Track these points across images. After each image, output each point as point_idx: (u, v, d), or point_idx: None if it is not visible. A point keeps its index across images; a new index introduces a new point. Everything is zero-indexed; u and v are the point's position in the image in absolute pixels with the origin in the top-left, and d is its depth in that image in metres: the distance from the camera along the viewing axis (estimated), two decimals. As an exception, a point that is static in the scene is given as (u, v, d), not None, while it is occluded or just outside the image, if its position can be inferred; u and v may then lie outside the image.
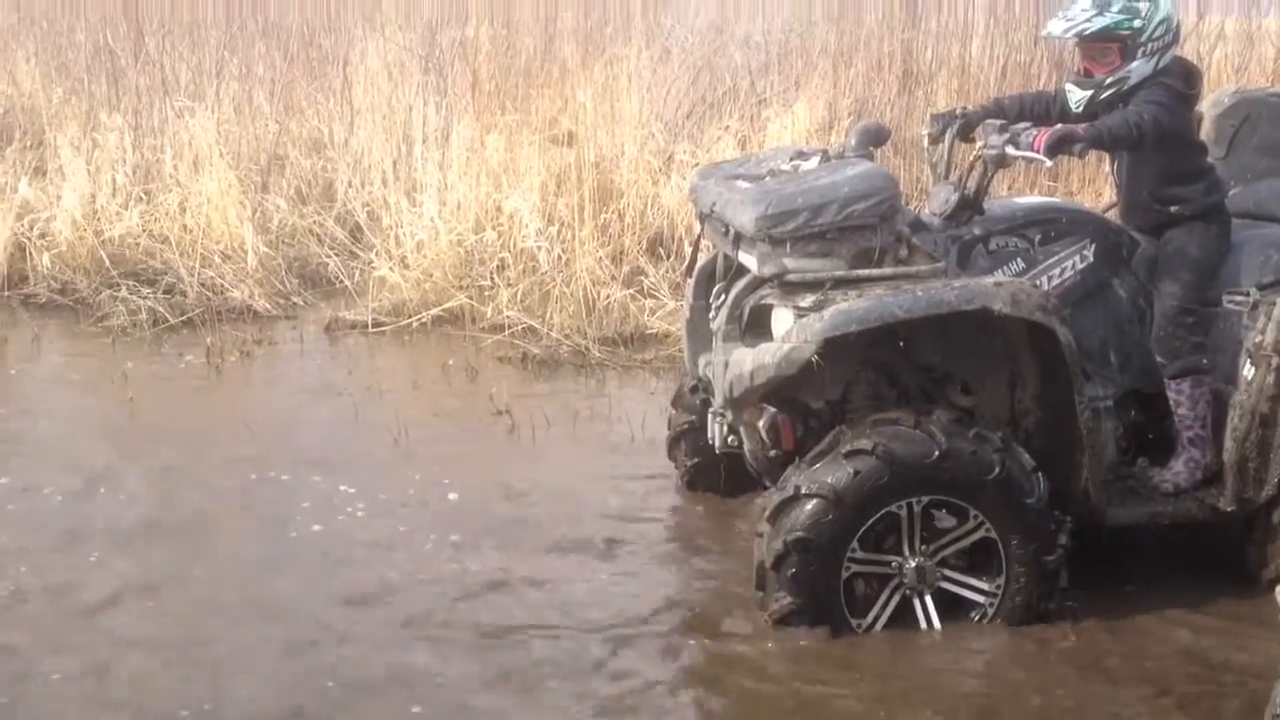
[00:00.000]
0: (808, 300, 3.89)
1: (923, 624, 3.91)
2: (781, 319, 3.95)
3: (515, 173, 7.74)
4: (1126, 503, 4.11)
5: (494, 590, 4.27)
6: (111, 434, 5.63)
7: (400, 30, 9.49)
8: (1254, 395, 3.92)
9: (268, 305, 7.37)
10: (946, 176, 4.33)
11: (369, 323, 7.10)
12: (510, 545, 4.60)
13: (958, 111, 4.43)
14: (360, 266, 7.63)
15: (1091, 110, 4.14)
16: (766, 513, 3.88)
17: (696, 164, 7.65)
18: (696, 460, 4.92)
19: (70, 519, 4.75)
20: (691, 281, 4.68)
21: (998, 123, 4.12)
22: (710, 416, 4.43)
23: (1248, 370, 3.94)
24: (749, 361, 3.90)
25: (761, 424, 4.08)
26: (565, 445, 5.59)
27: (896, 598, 3.93)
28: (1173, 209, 4.22)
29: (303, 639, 3.93)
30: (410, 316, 7.14)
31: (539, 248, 7.24)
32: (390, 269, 7.37)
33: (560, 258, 7.23)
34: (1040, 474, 3.85)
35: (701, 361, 4.51)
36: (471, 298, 7.18)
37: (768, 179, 4.20)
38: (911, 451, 3.78)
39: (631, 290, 7.14)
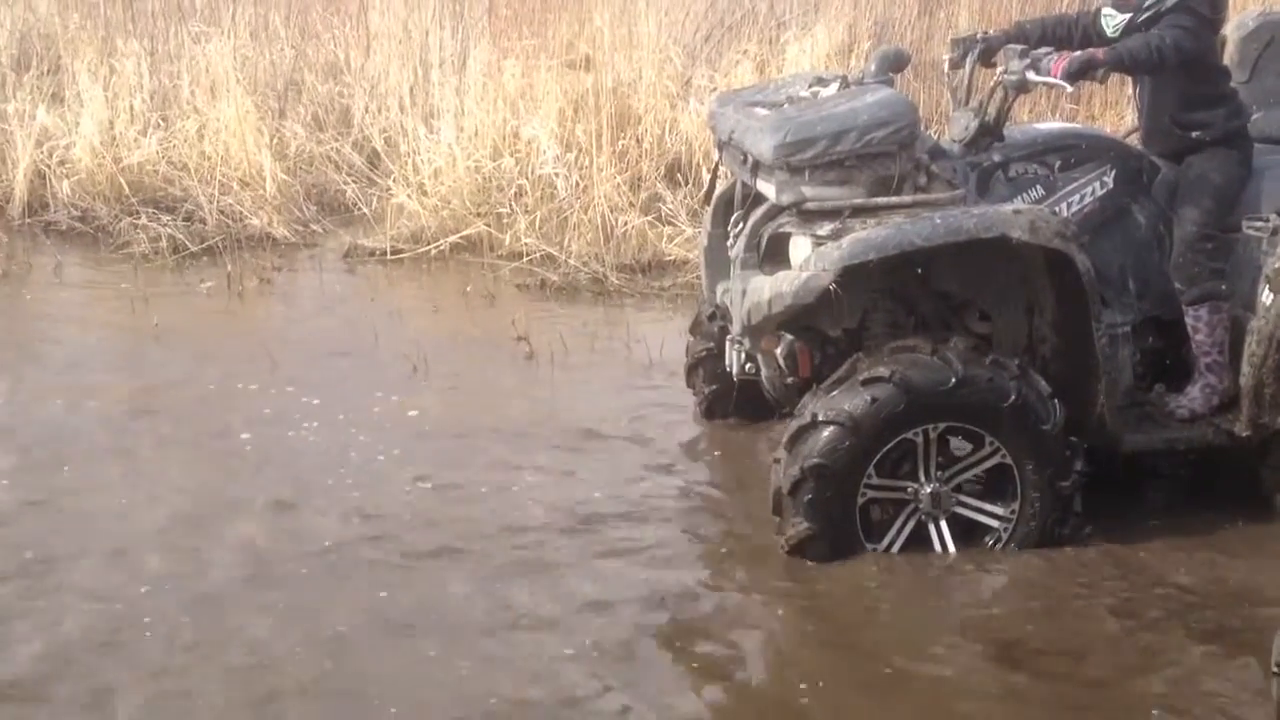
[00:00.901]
0: (826, 228, 3.90)
1: (937, 549, 3.96)
2: (800, 247, 3.96)
3: (533, 98, 7.70)
4: (1142, 429, 4.12)
5: (474, 506, 4.35)
6: (132, 357, 5.74)
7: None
8: (1272, 321, 3.91)
9: (287, 233, 7.39)
10: (967, 102, 4.30)
11: (387, 250, 7.11)
12: (517, 457, 4.71)
13: (978, 36, 4.38)
14: (378, 194, 7.63)
15: (1129, 34, 4.09)
16: (784, 439, 3.91)
17: (715, 89, 7.61)
18: (714, 387, 4.95)
19: (52, 431, 4.91)
20: (710, 209, 4.69)
21: (1019, 48, 4.09)
22: (728, 344, 4.46)
23: (1266, 296, 3.93)
24: (767, 289, 3.92)
25: (779, 351, 4.12)
26: (581, 371, 5.63)
27: (912, 523, 3.97)
28: (1194, 134, 4.19)
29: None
30: (428, 244, 7.15)
31: (557, 175, 7.24)
32: (408, 196, 7.36)
33: (578, 185, 7.22)
34: (1056, 400, 3.87)
35: (719, 289, 4.53)
36: (489, 225, 7.18)
37: (786, 106, 4.19)
38: (928, 379, 3.80)
39: (649, 217, 7.13)
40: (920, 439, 3.87)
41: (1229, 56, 4.64)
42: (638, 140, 7.60)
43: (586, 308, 6.48)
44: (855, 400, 3.80)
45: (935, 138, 4.30)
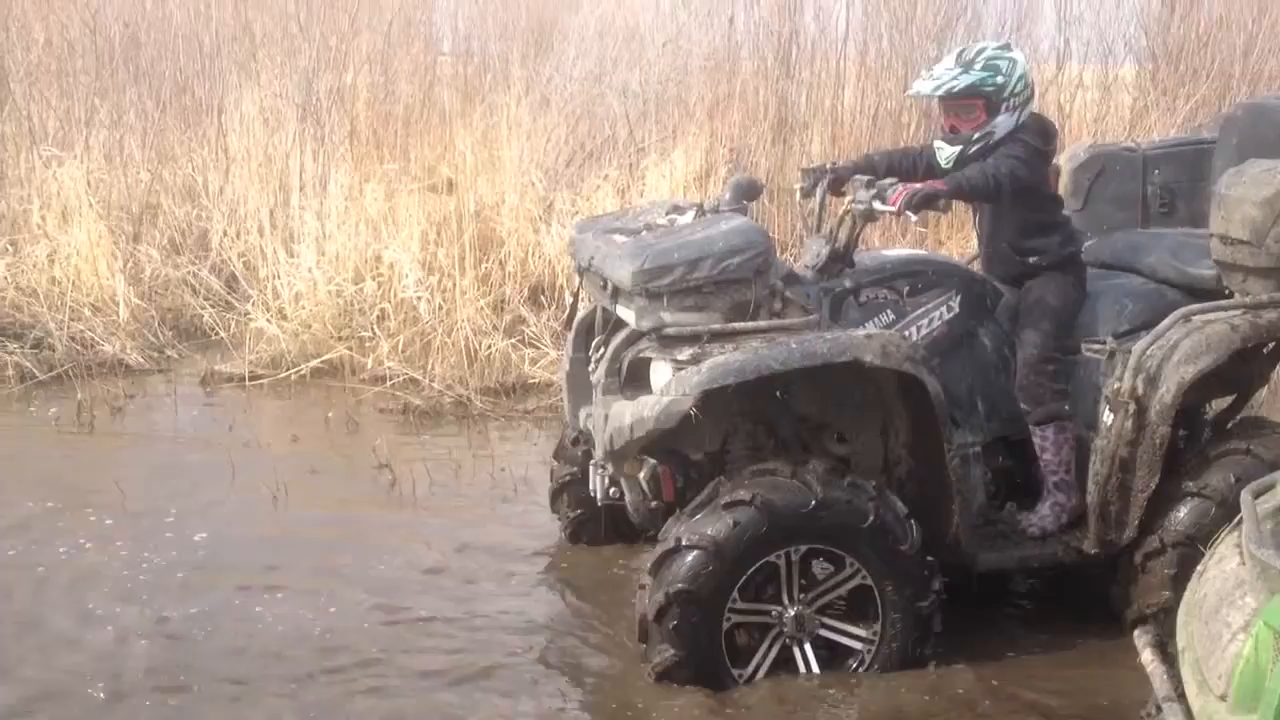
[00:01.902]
0: (685, 353, 3.94)
1: (802, 672, 3.96)
2: (660, 372, 4.00)
3: (395, 222, 7.70)
4: (996, 547, 4.21)
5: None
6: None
7: (276, 77, 9.38)
8: (1113, 440, 4.06)
9: (140, 359, 7.22)
10: (818, 230, 4.43)
11: (246, 375, 6.99)
12: (360, 585, 4.61)
13: (828, 166, 4.52)
14: (236, 318, 7.52)
15: (961, 166, 4.27)
16: (649, 565, 3.90)
17: (576, 212, 7.71)
18: (579, 512, 4.94)
19: None
20: (571, 334, 4.72)
21: (865, 178, 4.23)
22: (592, 469, 4.46)
23: (1106, 416, 4.09)
24: (628, 414, 3.93)
25: (642, 476, 4.13)
26: (443, 497, 5.55)
27: (777, 647, 3.97)
28: (1031, 260, 4.37)
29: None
30: (289, 369, 7.05)
31: (419, 298, 7.22)
32: (268, 320, 7.27)
33: (441, 307, 7.21)
34: (913, 521, 3.93)
35: (582, 414, 4.53)
36: (351, 349, 7.13)
37: (644, 233, 4.26)
38: (789, 501, 3.84)
39: (513, 340, 7.15)
40: (782, 562, 3.90)
41: (1063, 186, 4.88)
42: (501, 263, 7.66)
43: (450, 432, 6.42)
44: (718, 524, 3.82)
45: (789, 264, 4.40)
